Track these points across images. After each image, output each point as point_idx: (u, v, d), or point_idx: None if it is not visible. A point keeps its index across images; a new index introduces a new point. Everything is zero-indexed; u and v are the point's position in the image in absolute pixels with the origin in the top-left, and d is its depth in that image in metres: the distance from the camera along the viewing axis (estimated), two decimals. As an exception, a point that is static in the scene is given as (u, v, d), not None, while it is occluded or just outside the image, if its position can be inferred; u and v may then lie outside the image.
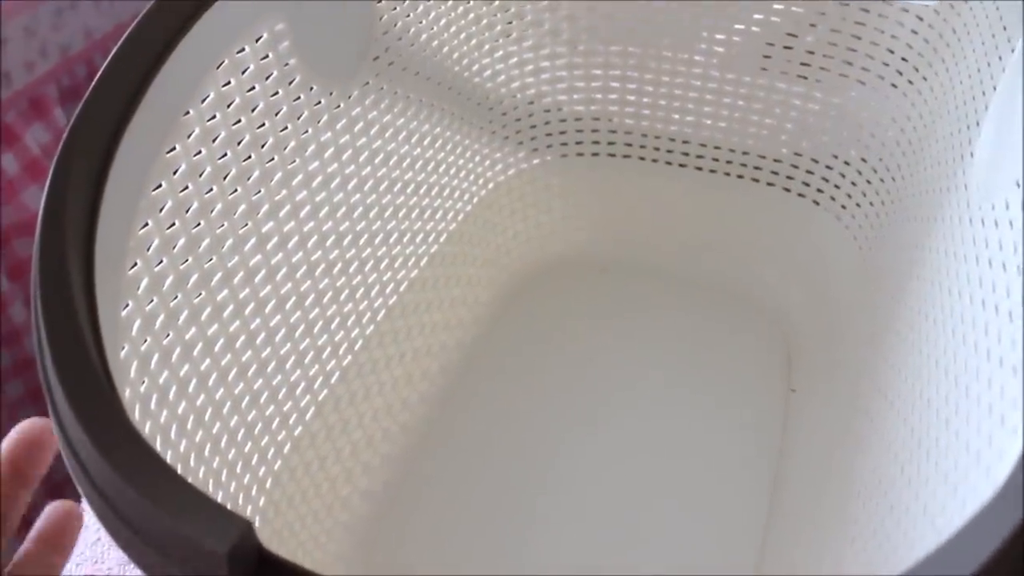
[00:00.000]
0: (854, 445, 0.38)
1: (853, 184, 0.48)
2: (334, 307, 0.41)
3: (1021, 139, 0.29)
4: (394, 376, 0.47)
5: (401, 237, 0.46)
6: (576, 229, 0.56)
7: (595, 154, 0.54)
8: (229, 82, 0.33)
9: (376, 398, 0.45)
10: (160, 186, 0.30)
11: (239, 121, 0.34)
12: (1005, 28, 0.34)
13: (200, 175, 0.32)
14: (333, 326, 0.42)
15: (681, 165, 0.53)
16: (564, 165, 0.54)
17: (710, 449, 0.47)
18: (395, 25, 0.41)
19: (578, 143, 0.54)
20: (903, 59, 0.43)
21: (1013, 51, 0.32)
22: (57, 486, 0.41)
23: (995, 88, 0.33)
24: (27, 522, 0.29)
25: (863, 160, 0.47)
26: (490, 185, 0.53)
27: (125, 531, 0.22)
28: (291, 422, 0.40)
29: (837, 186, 0.49)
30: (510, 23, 0.49)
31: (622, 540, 0.44)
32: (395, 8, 0.41)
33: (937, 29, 0.40)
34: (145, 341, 0.30)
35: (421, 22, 0.43)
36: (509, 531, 0.44)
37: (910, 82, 0.43)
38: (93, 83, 0.28)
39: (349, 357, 0.43)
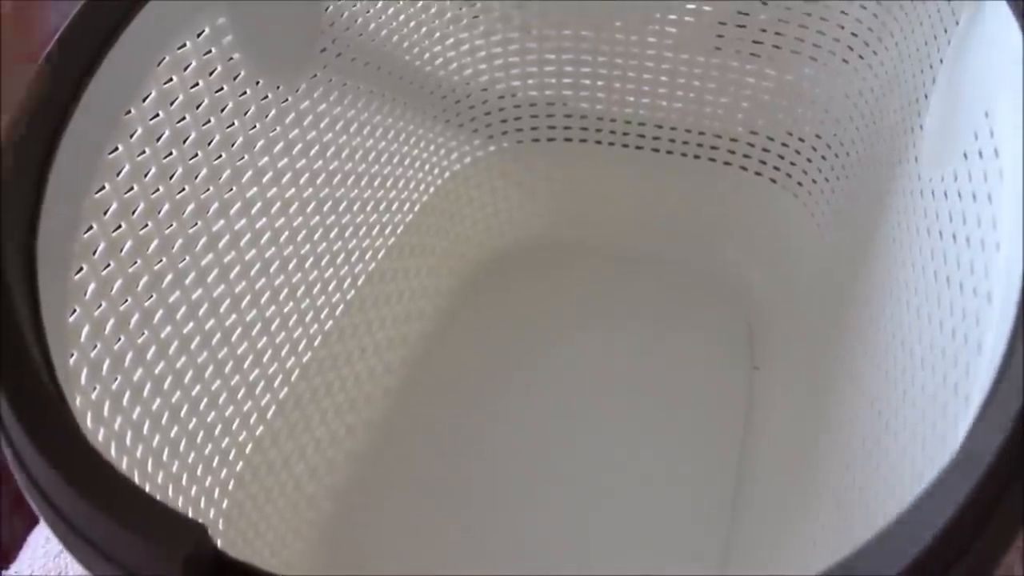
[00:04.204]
0: (818, 421, 0.39)
1: (809, 161, 0.48)
2: (291, 304, 0.41)
3: (966, 110, 0.29)
4: (356, 371, 0.46)
5: (357, 230, 0.45)
6: (534, 215, 0.55)
7: (551, 139, 0.54)
8: (171, 79, 0.32)
9: (338, 394, 0.45)
10: (103, 188, 0.29)
11: (183, 119, 0.33)
12: (950, 0, 0.34)
13: (145, 175, 0.31)
14: (291, 323, 0.41)
15: (638, 147, 0.53)
16: (520, 151, 0.54)
17: (675, 429, 0.47)
18: (342, 15, 0.41)
19: (533, 129, 0.54)
20: (853, 34, 0.43)
21: (958, 23, 0.32)
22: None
23: (942, 60, 0.34)
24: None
25: (818, 137, 0.47)
26: (446, 174, 0.53)
27: (79, 543, 0.21)
28: (252, 421, 0.39)
29: (793, 163, 0.49)
30: (460, 10, 0.49)
31: (590, 525, 0.44)
32: (341, -2, 0.41)
33: (885, 3, 0.41)
34: (95, 347, 0.29)
35: (369, 11, 0.43)
36: (478, 522, 0.44)
37: (861, 57, 0.43)
38: (27, 85, 0.27)
39: (309, 354, 0.43)
